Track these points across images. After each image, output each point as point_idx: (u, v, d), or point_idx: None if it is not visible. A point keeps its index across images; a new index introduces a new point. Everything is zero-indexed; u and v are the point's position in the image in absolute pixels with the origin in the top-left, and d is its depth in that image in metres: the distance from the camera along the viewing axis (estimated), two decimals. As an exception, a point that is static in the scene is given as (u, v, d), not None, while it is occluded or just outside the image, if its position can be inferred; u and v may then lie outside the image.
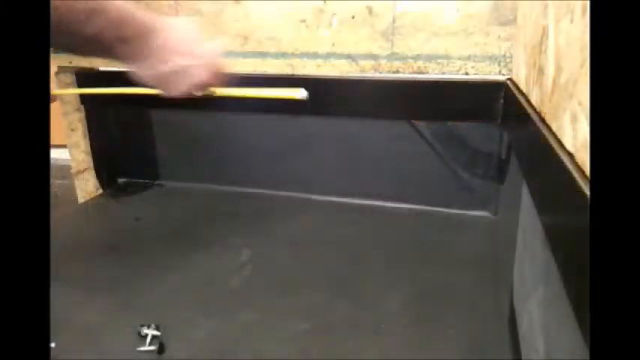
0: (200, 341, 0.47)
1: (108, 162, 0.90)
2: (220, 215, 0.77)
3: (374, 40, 0.71)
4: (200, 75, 0.55)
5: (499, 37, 0.66)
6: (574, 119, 0.26)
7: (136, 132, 0.89)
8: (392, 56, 0.71)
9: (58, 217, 0.76)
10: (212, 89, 0.59)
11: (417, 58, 0.70)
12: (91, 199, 0.87)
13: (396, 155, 0.77)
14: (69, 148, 0.90)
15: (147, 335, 0.47)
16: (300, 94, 0.58)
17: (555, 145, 0.28)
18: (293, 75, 0.75)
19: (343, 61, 0.73)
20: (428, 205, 0.78)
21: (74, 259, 0.63)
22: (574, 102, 0.26)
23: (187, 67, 0.54)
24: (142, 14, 0.52)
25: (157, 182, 0.91)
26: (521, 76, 0.54)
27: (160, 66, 0.53)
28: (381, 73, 0.72)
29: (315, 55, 0.74)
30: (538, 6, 0.43)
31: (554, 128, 0.31)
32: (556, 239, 0.27)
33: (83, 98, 0.86)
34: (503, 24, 0.65)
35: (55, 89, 0.86)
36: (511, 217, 0.54)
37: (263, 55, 0.75)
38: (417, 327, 0.49)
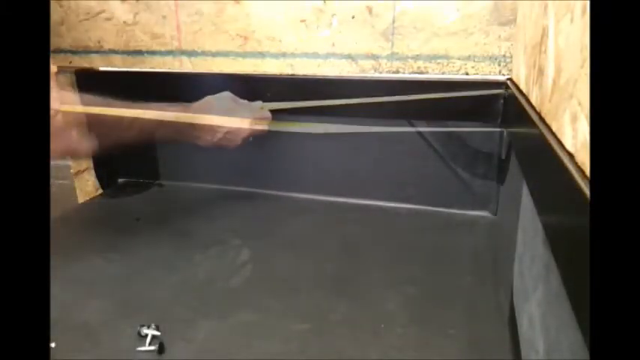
0: (200, 341, 0.47)
1: (108, 162, 0.90)
2: (220, 215, 0.77)
3: (374, 40, 0.71)
4: (239, 135, 0.69)
5: (499, 37, 0.66)
6: (574, 119, 0.26)
7: (136, 132, 0.89)
8: (392, 56, 0.71)
9: (58, 217, 0.76)
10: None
11: (417, 58, 0.70)
12: (91, 199, 0.87)
13: (396, 155, 0.77)
14: (69, 148, 0.90)
15: (147, 335, 0.47)
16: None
17: (555, 145, 0.28)
18: (293, 75, 0.76)
19: (343, 61, 0.73)
20: (428, 205, 0.78)
21: (74, 259, 0.63)
22: (574, 102, 0.26)
23: (227, 135, 0.69)
24: (177, 114, 0.66)
25: (156, 182, 0.91)
26: (521, 76, 0.54)
27: (206, 140, 0.69)
28: (381, 73, 0.72)
29: (315, 55, 0.74)
30: (538, 6, 0.43)
31: (554, 128, 0.31)
32: (556, 239, 0.27)
33: (84, 98, 0.86)
34: (503, 24, 0.65)
35: (57, 104, 0.86)
36: (511, 217, 0.54)
37: (263, 55, 0.75)
38: (417, 327, 0.49)
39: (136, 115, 0.77)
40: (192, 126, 0.67)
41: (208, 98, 0.70)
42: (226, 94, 0.72)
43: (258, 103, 0.73)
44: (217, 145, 0.70)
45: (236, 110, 0.69)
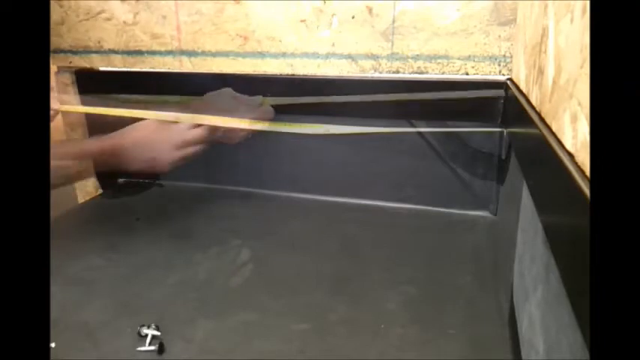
0: (200, 341, 0.47)
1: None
2: (220, 215, 0.77)
3: (374, 40, 0.71)
4: (167, 159, 0.68)
5: (499, 37, 0.66)
6: (574, 119, 0.26)
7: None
8: (392, 56, 0.71)
9: (58, 217, 0.76)
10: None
11: (417, 58, 0.70)
12: (91, 199, 0.87)
13: (396, 155, 0.77)
14: (69, 148, 0.90)
15: (147, 335, 0.47)
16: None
17: (555, 145, 0.28)
18: (293, 75, 0.76)
19: (343, 61, 0.73)
20: (428, 205, 0.78)
21: (74, 259, 0.63)
22: (574, 102, 0.26)
23: (151, 160, 0.67)
24: (93, 149, 0.68)
25: (157, 182, 0.91)
26: (521, 76, 0.54)
27: (131, 166, 0.68)
28: (381, 73, 0.72)
29: (315, 55, 0.74)
30: (538, 6, 0.43)
31: (554, 128, 0.31)
32: (556, 239, 0.27)
33: (84, 98, 0.86)
34: (503, 24, 0.65)
35: (57, 104, 0.86)
36: (511, 217, 0.54)
37: (263, 55, 0.75)
38: (417, 327, 0.49)
39: (136, 116, 0.78)
40: (111, 156, 0.67)
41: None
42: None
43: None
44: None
45: (236, 107, 0.70)
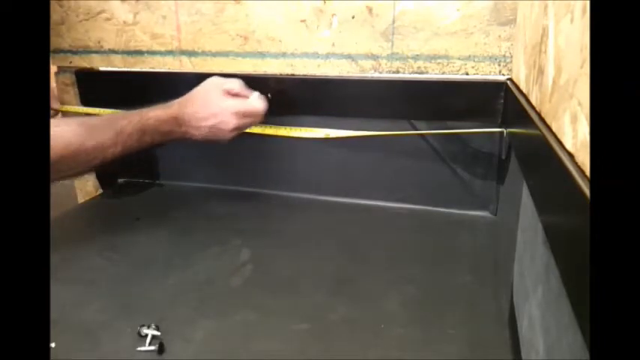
0: (200, 341, 0.47)
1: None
2: (220, 215, 0.77)
3: (374, 40, 0.71)
4: (230, 123, 0.67)
5: (499, 37, 0.66)
6: (574, 119, 0.26)
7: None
8: (392, 56, 0.71)
9: (58, 217, 0.76)
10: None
11: (417, 58, 0.70)
12: (91, 199, 0.87)
13: (396, 155, 0.77)
14: (69, 148, 0.90)
15: (147, 335, 0.47)
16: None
17: (555, 145, 0.28)
18: (293, 75, 0.76)
19: (343, 61, 0.73)
20: (428, 205, 0.78)
21: (74, 259, 0.63)
22: (574, 102, 0.26)
23: (215, 125, 0.67)
24: (156, 116, 0.66)
25: (157, 182, 0.91)
26: (521, 76, 0.54)
27: (194, 134, 0.68)
28: (381, 73, 0.72)
29: (315, 55, 0.74)
30: (538, 6, 0.43)
31: (554, 128, 0.31)
32: (556, 239, 0.27)
33: (83, 98, 0.86)
34: (503, 24, 0.65)
35: (57, 104, 0.87)
36: (511, 217, 0.54)
37: (263, 55, 0.76)
38: (417, 327, 0.49)
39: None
40: (177, 123, 0.66)
41: (193, 91, 0.69)
42: (212, 81, 0.69)
43: (254, 94, 0.71)
44: (206, 141, 0.69)
45: (220, 100, 0.67)
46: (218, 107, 0.67)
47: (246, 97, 0.69)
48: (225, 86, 0.69)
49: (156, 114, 0.65)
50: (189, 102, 0.67)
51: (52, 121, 0.61)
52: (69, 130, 0.61)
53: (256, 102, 0.69)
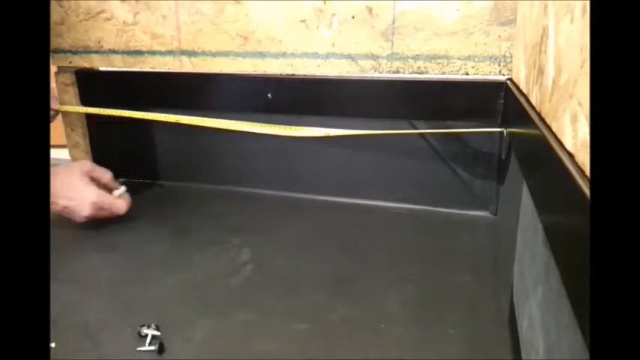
0: (200, 341, 0.47)
1: (108, 162, 0.90)
2: (220, 215, 0.77)
3: (374, 40, 0.71)
4: (83, 211, 0.68)
5: (499, 37, 0.66)
6: (574, 119, 0.26)
7: (135, 132, 0.89)
8: (392, 56, 0.71)
9: (58, 217, 0.76)
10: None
11: (417, 58, 0.70)
12: (91, 199, 0.86)
13: (396, 155, 0.77)
14: (69, 148, 0.90)
15: (147, 335, 0.47)
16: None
17: (555, 145, 0.28)
18: (293, 75, 0.76)
19: (343, 61, 0.73)
20: (428, 205, 0.78)
21: (74, 259, 0.63)
22: (574, 102, 0.26)
23: (69, 207, 0.67)
24: None
25: (157, 182, 0.91)
26: (521, 76, 0.54)
27: (54, 206, 0.67)
28: (381, 73, 0.72)
29: (315, 55, 0.74)
30: (538, 6, 0.43)
31: (554, 128, 0.31)
32: (556, 239, 0.27)
33: (83, 98, 0.86)
34: (503, 24, 0.65)
35: (57, 104, 0.86)
36: (511, 217, 0.54)
37: (263, 55, 0.75)
38: (417, 327, 0.49)
39: (135, 117, 0.78)
40: None
41: (58, 167, 0.69)
42: (81, 164, 0.70)
43: (119, 190, 0.73)
44: (58, 215, 0.69)
45: (82, 186, 0.68)
46: (77, 192, 0.67)
47: (111, 189, 0.71)
48: (93, 173, 0.70)
49: None
50: (52, 180, 0.66)
51: None
52: None
53: (118, 200, 0.71)
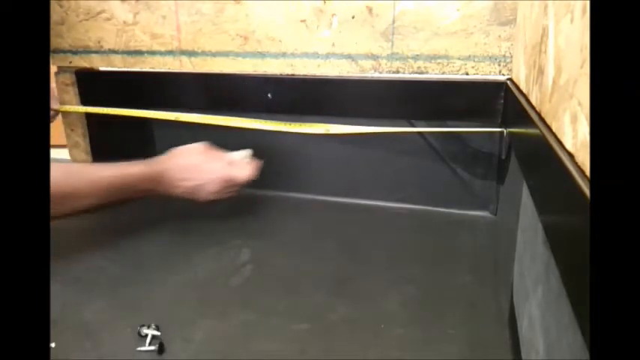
0: (200, 341, 0.47)
1: (108, 162, 0.90)
2: (220, 215, 0.77)
3: (374, 40, 0.71)
4: (211, 189, 0.67)
5: (499, 37, 0.66)
6: (574, 119, 0.26)
7: (136, 132, 0.89)
8: (392, 56, 0.71)
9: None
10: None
11: (417, 58, 0.70)
12: (91, 199, 0.86)
13: (396, 155, 0.77)
14: (69, 148, 0.90)
15: (147, 335, 0.47)
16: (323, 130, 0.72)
17: (555, 145, 0.28)
18: (293, 75, 0.76)
19: (343, 61, 0.73)
20: (428, 205, 0.78)
21: (74, 259, 0.63)
22: (574, 102, 0.26)
23: (195, 187, 0.66)
24: (136, 173, 0.64)
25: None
26: (521, 76, 0.54)
27: (173, 193, 0.66)
28: (381, 73, 0.72)
29: (315, 55, 0.74)
30: (538, 6, 0.43)
31: (554, 128, 0.31)
32: (556, 239, 0.27)
33: (83, 98, 0.86)
34: (503, 24, 0.65)
35: (57, 104, 0.87)
36: (511, 217, 0.54)
37: (263, 55, 0.76)
38: (417, 327, 0.49)
39: (136, 116, 0.78)
40: (157, 182, 0.65)
41: (179, 149, 0.68)
42: (196, 145, 0.69)
43: (243, 153, 0.71)
44: (181, 198, 0.68)
45: (207, 164, 0.67)
46: (203, 170, 0.66)
47: (235, 162, 0.70)
48: (212, 151, 0.69)
49: (136, 171, 0.64)
50: (173, 162, 0.66)
51: None
52: None
53: (242, 168, 0.69)
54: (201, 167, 0.66)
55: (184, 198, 0.67)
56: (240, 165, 0.69)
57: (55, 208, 0.57)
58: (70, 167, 0.65)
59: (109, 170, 0.63)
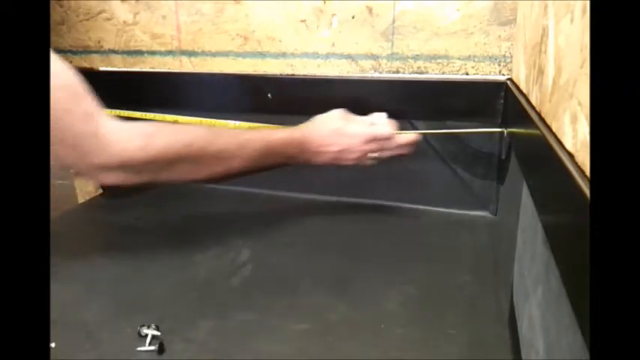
0: (200, 341, 0.47)
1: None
2: (220, 215, 0.77)
3: (374, 40, 0.71)
4: (356, 152, 0.66)
5: (499, 37, 0.66)
6: (574, 119, 0.26)
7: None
8: (392, 56, 0.71)
9: (58, 217, 0.76)
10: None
11: (417, 58, 0.70)
12: (91, 199, 0.87)
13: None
14: (69, 148, 0.90)
15: (147, 335, 0.47)
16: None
17: (555, 145, 0.28)
18: (293, 75, 0.76)
19: (343, 61, 0.73)
20: (428, 205, 0.78)
21: (74, 259, 0.63)
22: (574, 102, 0.26)
23: (340, 151, 0.65)
24: (282, 138, 0.63)
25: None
26: (521, 76, 0.54)
27: (316, 160, 0.66)
28: (381, 73, 0.72)
29: (315, 55, 0.74)
30: (538, 6, 0.43)
31: (554, 128, 0.31)
32: (556, 239, 0.27)
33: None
34: (503, 24, 0.65)
35: None
36: (511, 217, 0.54)
37: (263, 55, 0.76)
38: (417, 327, 0.49)
39: (139, 117, 0.78)
40: (302, 149, 0.64)
41: (320, 117, 0.67)
42: (336, 112, 0.68)
43: (381, 114, 0.69)
44: (326, 165, 0.67)
45: (348, 127, 0.65)
46: (345, 135, 0.65)
47: (375, 122, 0.68)
48: (350, 116, 0.67)
49: (281, 136, 0.63)
50: (315, 128, 0.66)
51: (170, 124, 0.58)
52: (192, 129, 0.59)
53: (382, 126, 0.67)
54: (342, 131, 0.65)
55: (329, 164, 0.66)
56: (382, 123, 0.67)
57: (211, 168, 0.58)
58: (217, 129, 0.64)
59: (254, 134, 0.62)
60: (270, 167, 0.64)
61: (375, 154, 0.67)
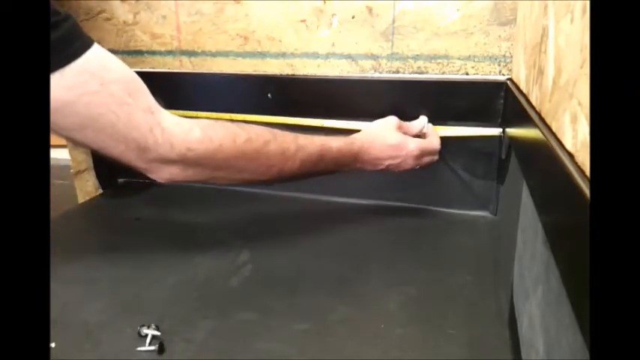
0: (200, 341, 0.47)
1: (108, 162, 0.90)
2: (220, 215, 0.77)
3: (374, 40, 0.71)
4: (412, 162, 0.67)
5: (499, 37, 0.66)
6: (574, 119, 0.26)
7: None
8: (392, 56, 0.71)
9: (58, 217, 0.76)
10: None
11: (417, 58, 0.70)
12: (91, 199, 0.87)
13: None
14: (69, 148, 0.90)
15: (147, 335, 0.47)
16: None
17: (555, 145, 0.28)
18: (293, 75, 0.76)
19: (343, 61, 0.73)
20: (428, 205, 0.78)
21: (74, 259, 0.63)
22: (574, 102, 0.26)
23: (399, 163, 0.66)
24: (338, 147, 0.63)
25: (157, 182, 0.91)
26: (521, 76, 0.54)
27: (373, 168, 0.67)
28: (381, 73, 0.72)
29: (315, 55, 0.74)
30: (538, 6, 0.43)
31: (554, 128, 0.31)
32: (556, 239, 0.27)
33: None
34: (503, 24, 0.65)
35: None
36: (511, 217, 0.54)
37: (263, 55, 0.76)
38: (417, 327, 0.49)
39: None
40: (356, 160, 0.64)
41: (374, 129, 0.68)
42: (389, 122, 0.68)
43: (424, 120, 0.70)
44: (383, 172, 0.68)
45: (403, 142, 0.66)
46: (402, 148, 0.66)
47: (424, 134, 0.69)
48: (402, 126, 0.68)
49: (339, 145, 0.63)
50: (373, 141, 0.65)
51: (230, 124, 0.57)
52: (252, 126, 0.58)
53: (432, 139, 0.68)
54: (401, 147, 0.66)
55: (384, 171, 0.67)
56: (432, 134, 0.69)
57: (262, 167, 0.57)
58: (275, 129, 0.62)
59: (312, 139, 0.61)
60: (321, 173, 0.64)
61: (429, 161, 0.69)
